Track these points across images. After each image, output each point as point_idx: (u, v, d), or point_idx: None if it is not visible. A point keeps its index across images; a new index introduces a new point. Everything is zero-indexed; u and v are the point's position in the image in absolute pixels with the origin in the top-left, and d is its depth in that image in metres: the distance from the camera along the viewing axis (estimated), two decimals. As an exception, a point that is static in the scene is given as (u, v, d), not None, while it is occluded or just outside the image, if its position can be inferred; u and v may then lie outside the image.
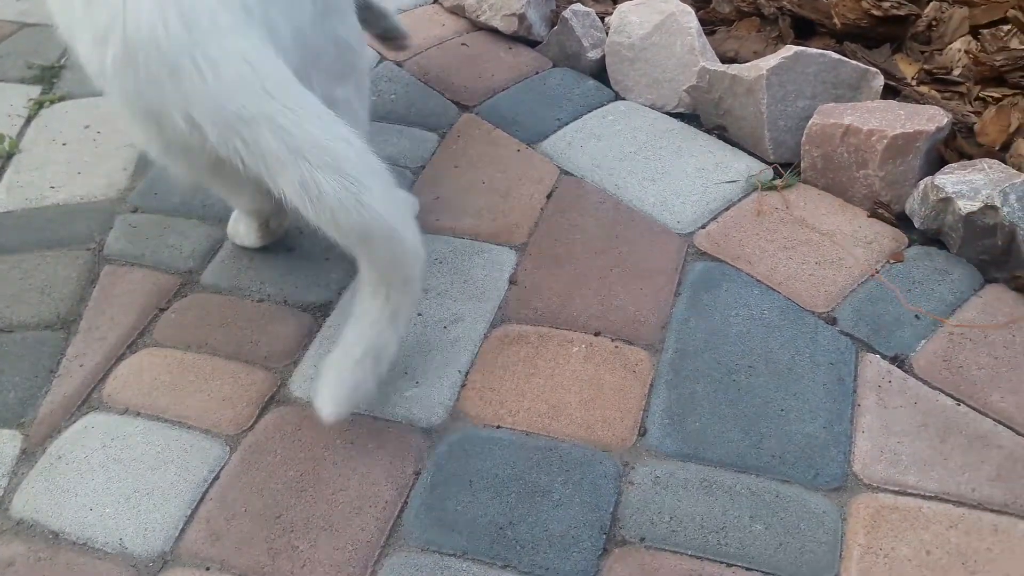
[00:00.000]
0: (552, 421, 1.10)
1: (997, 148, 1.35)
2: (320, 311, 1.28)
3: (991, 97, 1.44)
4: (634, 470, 1.04)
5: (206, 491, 1.05)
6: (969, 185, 1.23)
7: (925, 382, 1.11)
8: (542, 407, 1.12)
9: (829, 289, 1.24)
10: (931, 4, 1.66)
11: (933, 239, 1.30)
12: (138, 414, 1.14)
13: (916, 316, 1.18)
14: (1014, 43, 1.56)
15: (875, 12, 1.57)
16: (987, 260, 1.24)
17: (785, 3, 1.68)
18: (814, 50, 1.45)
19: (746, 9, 1.72)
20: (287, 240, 1.38)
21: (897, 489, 1.00)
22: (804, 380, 1.12)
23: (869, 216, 1.36)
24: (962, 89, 1.49)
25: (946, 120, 1.33)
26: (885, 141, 1.31)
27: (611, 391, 1.13)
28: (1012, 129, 1.35)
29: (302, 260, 1.36)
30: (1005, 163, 1.32)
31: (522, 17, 1.78)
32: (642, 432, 1.08)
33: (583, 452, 1.06)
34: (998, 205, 1.19)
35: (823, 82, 1.46)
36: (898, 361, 1.13)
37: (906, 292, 1.22)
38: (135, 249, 1.39)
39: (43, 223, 1.45)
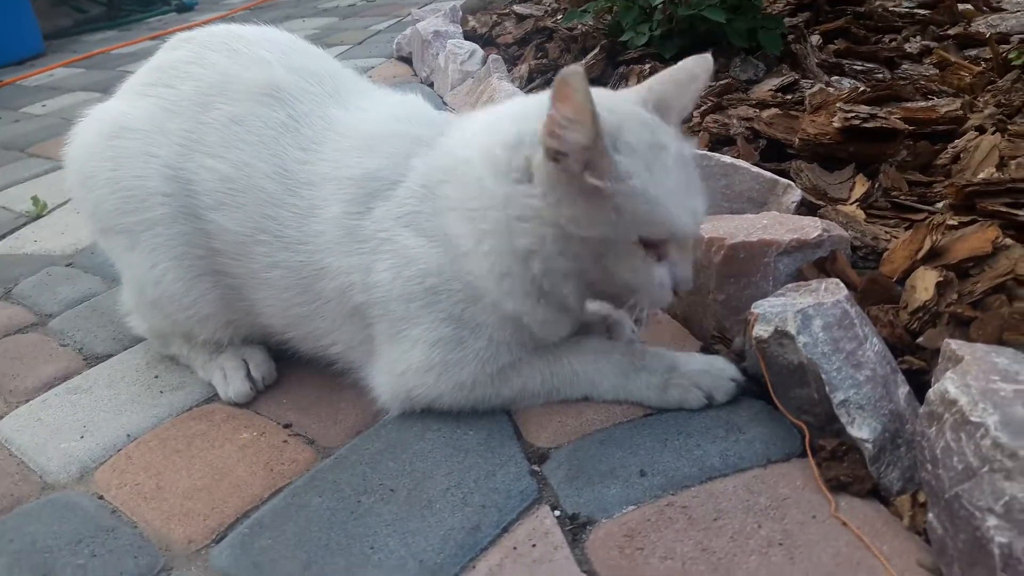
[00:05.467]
0: (145, 502, 0.91)
1: (896, 279, 0.94)
2: None
3: (943, 223, 1.02)
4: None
5: None
6: (784, 308, 0.85)
7: (580, 560, 0.73)
8: (150, 486, 0.93)
9: (577, 422, 0.91)
10: (965, 135, 1.28)
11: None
12: None
13: (641, 472, 0.81)
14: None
15: (837, 125, 1.24)
16: (811, 423, 0.83)
17: (756, 126, 1.39)
18: (697, 150, 1.16)
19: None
20: None
21: None
22: (433, 519, 0.81)
23: (702, 351, 1.00)
24: (916, 216, 1.08)
25: (819, 233, 0.96)
26: (723, 252, 0.98)
27: (229, 486, 0.91)
28: (923, 253, 0.93)
29: None
30: (897, 300, 0.91)
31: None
32: (219, 538, 0.85)
33: (134, 542, 0.85)
34: (792, 332, 0.81)
35: (710, 192, 1.15)
36: (574, 522, 0.77)
37: (663, 443, 0.85)
38: None
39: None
